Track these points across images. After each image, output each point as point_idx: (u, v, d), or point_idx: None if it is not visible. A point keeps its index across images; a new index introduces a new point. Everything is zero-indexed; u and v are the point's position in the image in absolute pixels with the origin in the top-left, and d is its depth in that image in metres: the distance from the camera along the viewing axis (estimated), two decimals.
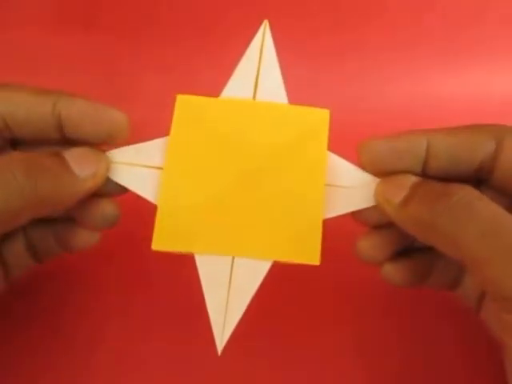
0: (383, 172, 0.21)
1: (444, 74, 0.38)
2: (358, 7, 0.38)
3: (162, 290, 0.27)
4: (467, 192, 0.19)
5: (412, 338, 0.25)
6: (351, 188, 0.22)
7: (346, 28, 0.38)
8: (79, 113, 0.21)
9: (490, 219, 0.18)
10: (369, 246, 0.22)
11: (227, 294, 0.21)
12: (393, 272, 0.22)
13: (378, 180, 0.22)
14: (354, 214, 0.22)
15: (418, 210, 0.19)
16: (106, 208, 0.22)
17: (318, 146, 0.22)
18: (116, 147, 0.22)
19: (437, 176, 0.21)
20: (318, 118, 0.23)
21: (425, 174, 0.21)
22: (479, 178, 0.22)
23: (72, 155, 0.20)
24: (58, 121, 0.21)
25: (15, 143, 0.22)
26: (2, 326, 0.25)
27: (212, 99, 0.23)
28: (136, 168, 0.22)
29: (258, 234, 0.21)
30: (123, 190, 0.22)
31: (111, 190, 0.22)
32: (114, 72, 0.36)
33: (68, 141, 0.22)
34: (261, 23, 0.23)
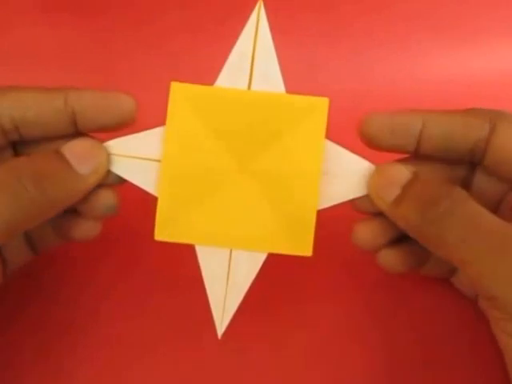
0: (379, 147, 0.22)
1: (440, 56, 0.38)
2: None
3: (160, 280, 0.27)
4: (454, 198, 0.20)
5: (411, 331, 0.26)
6: (348, 176, 0.22)
7: (340, 10, 0.38)
8: (91, 104, 0.21)
9: (472, 224, 0.19)
10: (366, 231, 0.23)
11: (226, 283, 0.21)
12: (390, 258, 0.23)
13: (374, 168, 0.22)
14: (352, 202, 0.22)
15: (408, 213, 0.20)
16: (106, 197, 0.22)
17: (316, 135, 0.22)
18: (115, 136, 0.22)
19: (430, 155, 0.22)
20: (317, 107, 0.22)
21: (418, 153, 0.22)
22: (472, 160, 0.22)
23: (71, 152, 0.21)
24: (70, 116, 0.21)
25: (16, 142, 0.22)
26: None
27: (207, 87, 0.22)
28: (135, 160, 0.22)
29: (254, 226, 0.22)
30: (122, 180, 0.22)
31: (110, 181, 0.22)
32: (109, 59, 0.36)
33: (80, 133, 0.22)
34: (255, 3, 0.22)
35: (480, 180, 0.23)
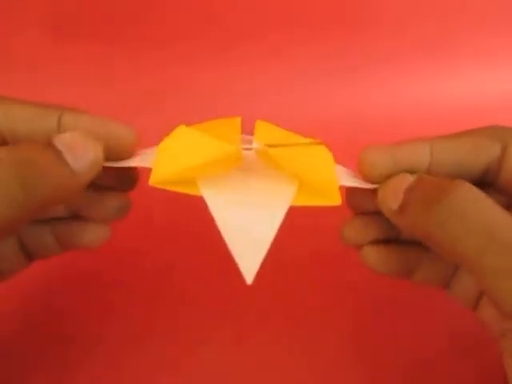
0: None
1: (434, 76, 0.39)
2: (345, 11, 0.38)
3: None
4: (460, 196, 0.18)
5: (411, 335, 0.26)
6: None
7: (335, 34, 0.39)
8: (86, 129, 0.19)
9: (485, 230, 0.17)
10: (351, 227, 0.23)
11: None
12: (371, 255, 0.22)
13: None
14: (348, 197, 0.22)
15: (414, 220, 0.19)
16: (117, 198, 0.21)
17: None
18: None
19: None
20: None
21: None
22: (484, 181, 0.21)
23: (65, 143, 0.18)
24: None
25: None
26: None
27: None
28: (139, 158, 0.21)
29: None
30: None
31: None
32: (112, 78, 0.37)
33: None
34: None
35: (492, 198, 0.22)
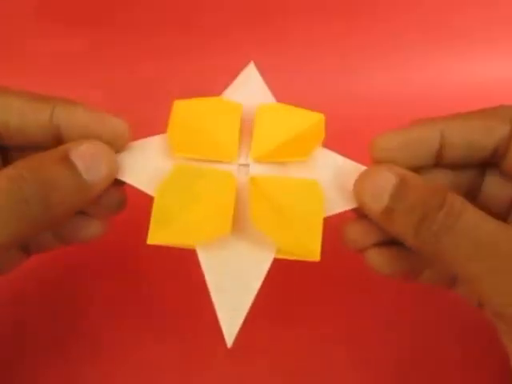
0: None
1: (445, 60, 0.38)
2: None
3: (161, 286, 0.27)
4: (449, 210, 0.18)
5: (412, 337, 0.26)
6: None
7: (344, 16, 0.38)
8: (79, 125, 0.20)
9: (472, 241, 0.18)
10: (354, 231, 0.22)
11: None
12: (376, 258, 0.22)
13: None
14: None
15: (402, 229, 0.19)
16: (115, 194, 0.21)
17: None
18: None
19: (449, 164, 0.21)
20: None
21: (438, 164, 0.21)
22: (490, 162, 0.21)
23: (81, 157, 0.19)
24: (56, 130, 0.20)
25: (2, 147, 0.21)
26: None
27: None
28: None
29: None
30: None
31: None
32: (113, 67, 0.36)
33: None
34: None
35: (492, 183, 0.22)
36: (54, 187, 0.18)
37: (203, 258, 0.21)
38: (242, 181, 0.22)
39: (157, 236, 0.20)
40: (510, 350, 0.20)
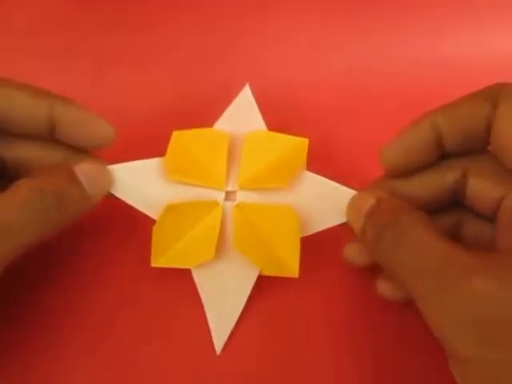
0: (407, 172, 0.22)
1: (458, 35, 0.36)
2: None
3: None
4: (400, 227, 0.19)
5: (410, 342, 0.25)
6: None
7: None
8: (71, 124, 0.23)
9: (417, 257, 0.18)
10: (353, 250, 0.24)
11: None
12: (386, 289, 0.23)
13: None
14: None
15: (368, 247, 0.20)
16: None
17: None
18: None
19: (456, 151, 0.21)
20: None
21: (445, 152, 0.21)
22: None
23: (84, 174, 0.22)
24: (51, 125, 0.23)
25: None
26: None
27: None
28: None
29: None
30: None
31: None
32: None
33: (54, 140, 0.23)
34: None
35: (475, 182, 0.21)
36: (65, 199, 0.21)
37: (197, 277, 0.24)
38: (229, 207, 0.25)
39: (157, 261, 0.24)
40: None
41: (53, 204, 0.21)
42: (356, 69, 0.35)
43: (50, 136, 0.23)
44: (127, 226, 0.28)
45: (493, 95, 0.19)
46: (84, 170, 0.23)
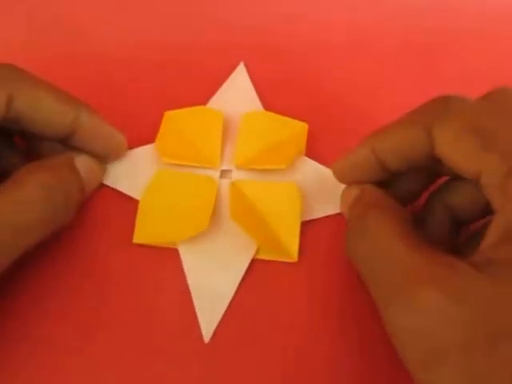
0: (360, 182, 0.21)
1: None
2: None
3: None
4: (366, 221, 0.18)
5: None
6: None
7: None
8: (92, 132, 0.22)
9: (380, 251, 0.17)
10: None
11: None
12: None
13: None
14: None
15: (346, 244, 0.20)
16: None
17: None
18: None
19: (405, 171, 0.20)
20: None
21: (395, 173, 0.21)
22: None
23: (83, 165, 0.22)
24: (72, 131, 0.22)
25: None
26: None
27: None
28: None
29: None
30: None
31: None
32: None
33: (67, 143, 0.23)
34: None
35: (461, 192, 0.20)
36: (70, 194, 0.21)
37: (185, 258, 0.22)
38: (224, 186, 0.23)
39: (142, 236, 0.22)
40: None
41: (61, 201, 0.21)
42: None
43: (64, 140, 0.22)
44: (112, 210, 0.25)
45: (424, 121, 0.19)
46: (83, 161, 0.23)
